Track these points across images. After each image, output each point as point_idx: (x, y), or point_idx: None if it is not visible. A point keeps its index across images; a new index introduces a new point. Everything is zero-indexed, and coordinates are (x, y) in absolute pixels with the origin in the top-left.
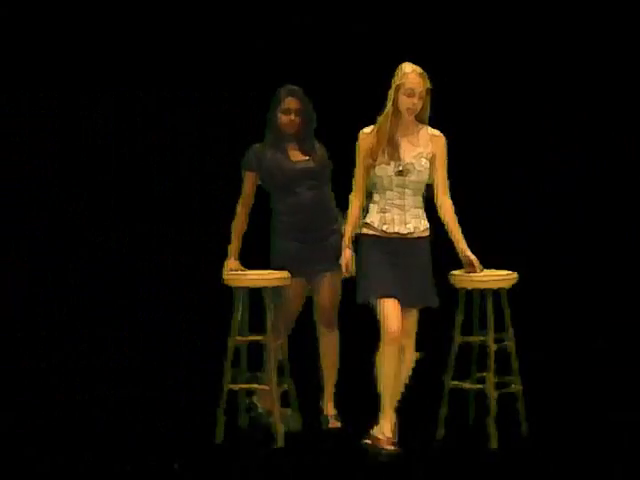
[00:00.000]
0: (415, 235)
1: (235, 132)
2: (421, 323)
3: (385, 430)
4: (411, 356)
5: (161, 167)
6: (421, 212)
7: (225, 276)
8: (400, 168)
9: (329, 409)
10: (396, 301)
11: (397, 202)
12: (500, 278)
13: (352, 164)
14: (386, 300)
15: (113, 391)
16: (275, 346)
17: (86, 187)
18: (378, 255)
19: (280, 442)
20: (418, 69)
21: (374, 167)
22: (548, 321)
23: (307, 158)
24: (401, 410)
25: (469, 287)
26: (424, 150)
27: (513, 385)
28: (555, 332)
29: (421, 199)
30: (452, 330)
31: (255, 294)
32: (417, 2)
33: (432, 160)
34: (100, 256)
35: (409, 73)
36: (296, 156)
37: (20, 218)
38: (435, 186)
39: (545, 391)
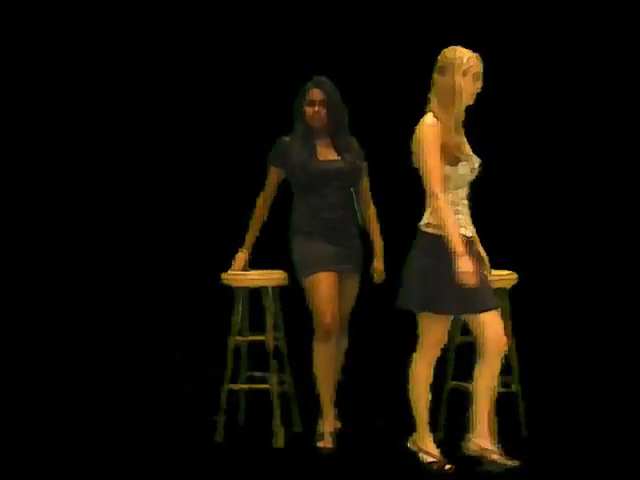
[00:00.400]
0: (473, 238)
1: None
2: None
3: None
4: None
5: (164, 164)
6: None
7: (225, 276)
8: (476, 165)
9: (332, 424)
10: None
11: (464, 201)
12: (500, 278)
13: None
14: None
15: (113, 391)
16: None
17: (85, 186)
18: (434, 258)
19: (280, 442)
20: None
21: (455, 164)
22: (548, 321)
23: (337, 157)
24: (401, 410)
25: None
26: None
27: (513, 385)
28: (555, 332)
29: None
30: (452, 330)
31: (255, 294)
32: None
33: None
34: (99, 256)
35: (473, 57)
36: (325, 154)
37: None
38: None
39: (545, 391)
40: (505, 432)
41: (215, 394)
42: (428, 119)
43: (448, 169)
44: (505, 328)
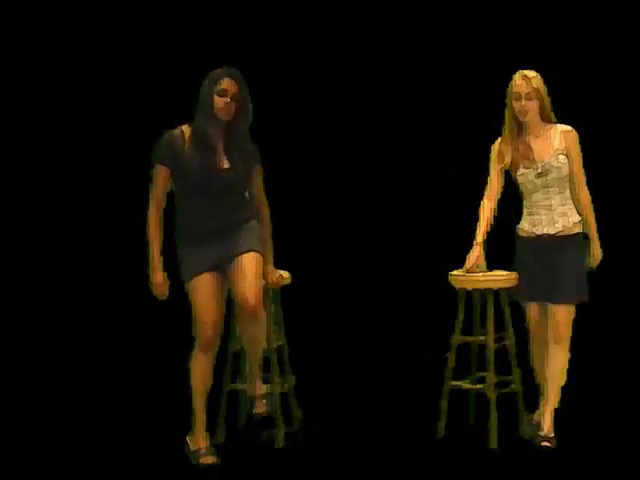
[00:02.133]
0: (564, 233)
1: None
2: (420, 323)
3: None
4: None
5: None
6: (569, 209)
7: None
8: (539, 170)
9: (259, 388)
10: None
11: (543, 203)
12: (500, 278)
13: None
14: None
15: (113, 391)
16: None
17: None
18: (528, 257)
19: (280, 442)
20: (525, 72)
21: (515, 174)
22: None
23: (229, 165)
24: (401, 410)
25: (469, 287)
26: (559, 147)
27: (513, 385)
28: None
29: (568, 195)
30: (452, 330)
31: None
32: None
33: (567, 155)
34: (99, 255)
35: (515, 78)
36: (223, 160)
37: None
38: (571, 180)
39: None
40: (505, 432)
41: (215, 394)
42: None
43: (517, 177)
44: (505, 328)
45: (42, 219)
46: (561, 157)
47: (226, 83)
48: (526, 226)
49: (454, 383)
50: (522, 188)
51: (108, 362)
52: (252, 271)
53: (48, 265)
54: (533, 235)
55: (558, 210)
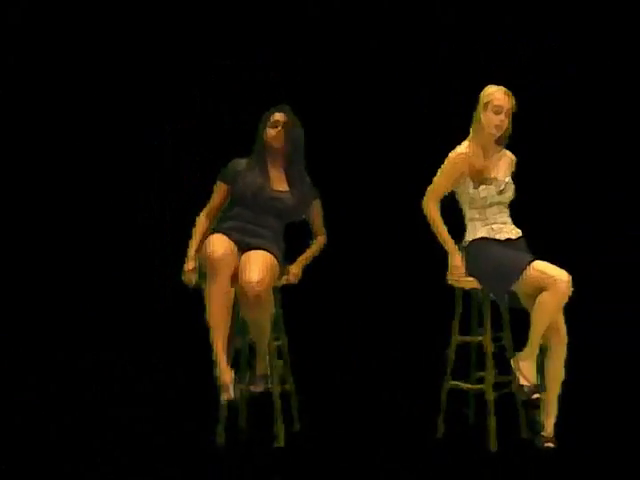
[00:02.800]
0: (520, 237)
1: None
2: (420, 323)
3: None
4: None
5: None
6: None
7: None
8: (502, 187)
9: (262, 368)
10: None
11: (498, 218)
12: None
13: None
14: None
15: (113, 391)
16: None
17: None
18: (497, 246)
19: (280, 442)
20: (504, 88)
21: (477, 187)
22: None
23: (287, 189)
24: (401, 410)
25: (466, 287)
26: (510, 168)
27: (512, 385)
28: None
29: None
30: (450, 330)
31: None
32: None
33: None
34: (98, 254)
35: (496, 91)
36: (278, 184)
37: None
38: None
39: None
40: (505, 432)
41: (215, 394)
42: (460, 146)
43: (472, 191)
44: (504, 327)
45: (42, 219)
46: (509, 179)
47: (277, 116)
48: (484, 232)
49: (453, 383)
50: (480, 203)
51: (110, 362)
52: (260, 260)
53: (48, 265)
54: (491, 238)
55: (509, 223)
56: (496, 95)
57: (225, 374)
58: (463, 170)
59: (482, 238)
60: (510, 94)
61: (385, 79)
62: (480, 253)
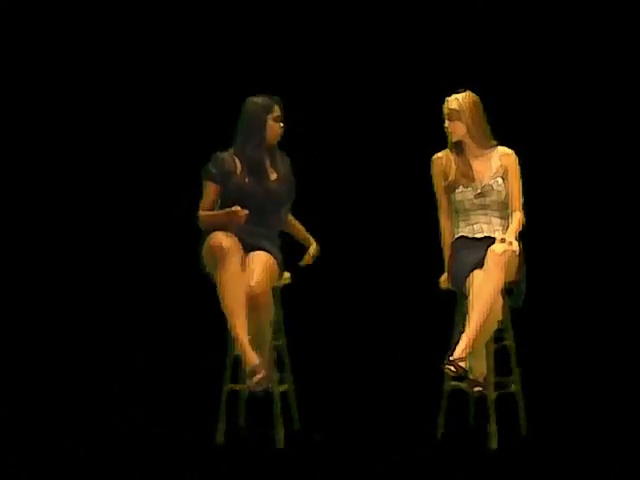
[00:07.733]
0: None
1: None
2: (419, 323)
3: None
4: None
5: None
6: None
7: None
8: (479, 190)
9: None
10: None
11: (482, 219)
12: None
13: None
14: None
15: (112, 391)
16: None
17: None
18: (466, 249)
19: (280, 442)
20: (456, 94)
21: (453, 192)
22: (547, 320)
23: (276, 177)
24: (401, 410)
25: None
26: (497, 170)
27: (513, 385)
28: (555, 332)
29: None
30: (451, 330)
31: None
32: None
33: (505, 177)
34: (97, 254)
35: (447, 100)
36: (271, 175)
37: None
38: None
39: (545, 391)
40: (505, 432)
41: (215, 394)
42: (439, 152)
43: (456, 195)
44: (505, 328)
45: (41, 219)
46: (499, 180)
47: (278, 109)
48: (466, 232)
49: (454, 383)
50: (458, 206)
51: (109, 361)
52: (259, 263)
53: (48, 265)
54: (471, 237)
55: (498, 228)
56: (445, 104)
57: (251, 355)
58: (443, 174)
59: (460, 237)
60: (455, 97)
61: (384, 79)
62: (453, 253)
